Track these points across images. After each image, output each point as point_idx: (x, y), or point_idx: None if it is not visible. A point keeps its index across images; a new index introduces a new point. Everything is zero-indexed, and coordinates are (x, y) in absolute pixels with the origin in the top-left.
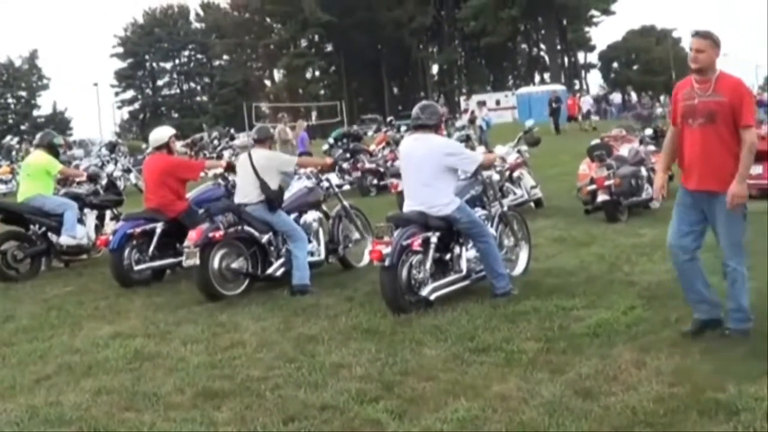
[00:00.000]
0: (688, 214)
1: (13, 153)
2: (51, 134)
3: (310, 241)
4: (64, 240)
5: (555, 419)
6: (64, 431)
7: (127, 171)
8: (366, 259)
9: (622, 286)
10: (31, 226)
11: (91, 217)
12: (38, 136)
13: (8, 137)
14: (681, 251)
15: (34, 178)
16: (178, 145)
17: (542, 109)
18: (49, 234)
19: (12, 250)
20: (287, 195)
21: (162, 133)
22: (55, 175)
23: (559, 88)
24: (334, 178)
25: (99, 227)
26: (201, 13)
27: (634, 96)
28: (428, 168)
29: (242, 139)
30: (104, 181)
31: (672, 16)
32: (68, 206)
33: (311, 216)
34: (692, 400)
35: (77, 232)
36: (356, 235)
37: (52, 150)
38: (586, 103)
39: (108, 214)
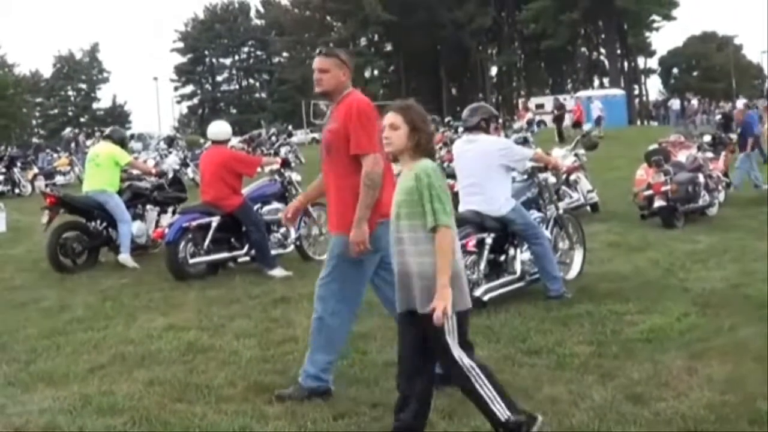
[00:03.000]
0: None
1: (73, 145)
2: (122, 132)
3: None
4: (122, 259)
5: (605, 423)
6: (116, 420)
7: (185, 165)
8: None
9: (677, 292)
10: (92, 223)
11: (152, 214)
12: (109, 129)
13: (68, 129)
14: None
15: (102, 168)
16: (235, 141)
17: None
18: (110, 229)
19: (71, 241)
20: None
21: (223, 129)
22: (123, 166)
23: (618, 92)
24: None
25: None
26: (261, 9)
27: (694, 102)
28: (482, 168)
29: (300, 136)
30: (170, 175)
31: (734, 23)
32: (125, 219)
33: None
34: (743, 409)
35: (136, 230)
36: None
37: (120, 144)
38: (596, 108)
39: (169, 211)
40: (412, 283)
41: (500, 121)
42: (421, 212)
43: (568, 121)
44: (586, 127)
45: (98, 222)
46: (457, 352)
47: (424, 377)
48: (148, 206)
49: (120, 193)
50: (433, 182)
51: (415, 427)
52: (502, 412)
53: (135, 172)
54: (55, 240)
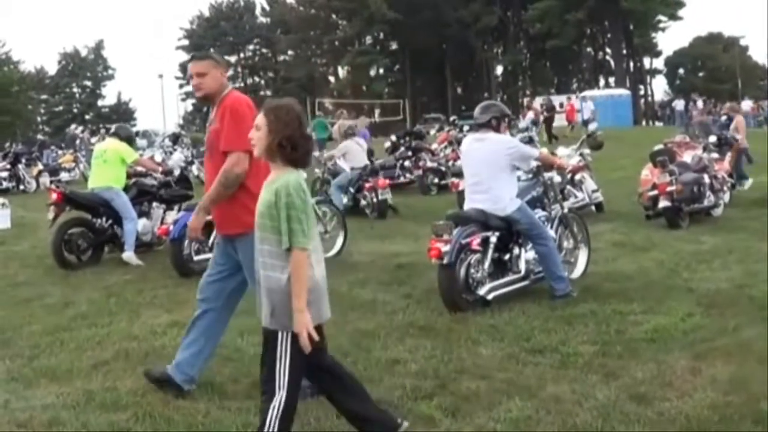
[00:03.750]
0: (220, 255)
1: (77, 142)
2: (128, 129)
3: None
4: (126, 257)
5: (608, 423)
6: (120, 416)
7: (190, 162)
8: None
9: (681, 292)
10: (97, 220)
11: (158, 211)
12: (116, 126)
13: (73, 126)
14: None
15: (109, 164)
16: None
17: (606, 114)
18: (115, 227)
19: (76, 238)
20: None
21: None
22: (129, 164)
23: (624, 92)
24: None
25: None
26: (267, 7)
27: (699, 103)
28: (490, 166)
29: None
30: (176, 173)
31: (740, 24)
32: (131, 217)
33: None
34: (747, 409)
35: (141, 227)
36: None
37: (127, 141)
38: (587, 109)
39: (175, 208)
40: (261, 295)
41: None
42: (279, 228)
43: (559, 122)
44: (592, 126)
45: (104, 219)
46: (280, 373)
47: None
48: (154, 204)
49: (126, 190)
50: (292, 201)
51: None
52: None
53: (140, 169)
54: (60, 236)
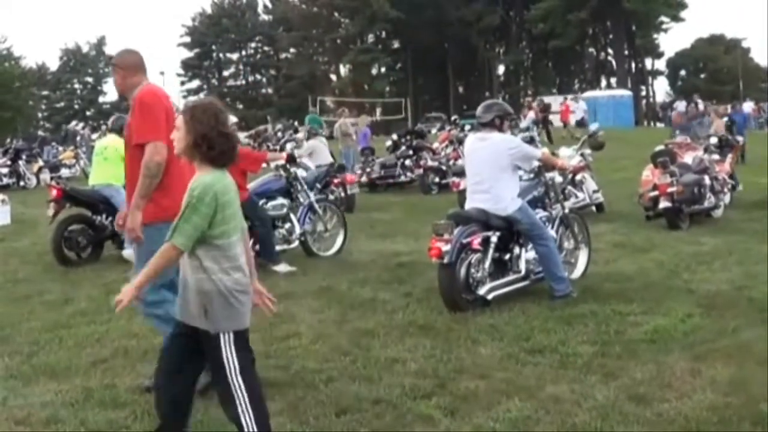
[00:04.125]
0: None
1: (78, 138)
2: (123, 118)
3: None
4: (127, 254)
5: (607, 423)
6: (118, 414)
7: None
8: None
9: (681, 293)
10: (97, 216)
11: None
12: (111, 119)
13: (73, 122)
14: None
15: (109, 162)
16: (242, 137)
17: (608, 114)
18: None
19: (76, 235)
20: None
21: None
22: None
23: (625, 93)
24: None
25: None
26: (269, 5)
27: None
28: (492, 166)
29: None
30: None
31: (742, 26)
32: None
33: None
34: (746, 411)
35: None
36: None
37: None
38: (580, 109)
39: None
40: (190, 297)
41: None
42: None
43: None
44: (593, 127)
45: (104, 216)
46: (232, 373)
47: (184, 381)
48: None
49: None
50: (193, 203)
51: (173, 428)
52: None
53: None
54: (60, 233)
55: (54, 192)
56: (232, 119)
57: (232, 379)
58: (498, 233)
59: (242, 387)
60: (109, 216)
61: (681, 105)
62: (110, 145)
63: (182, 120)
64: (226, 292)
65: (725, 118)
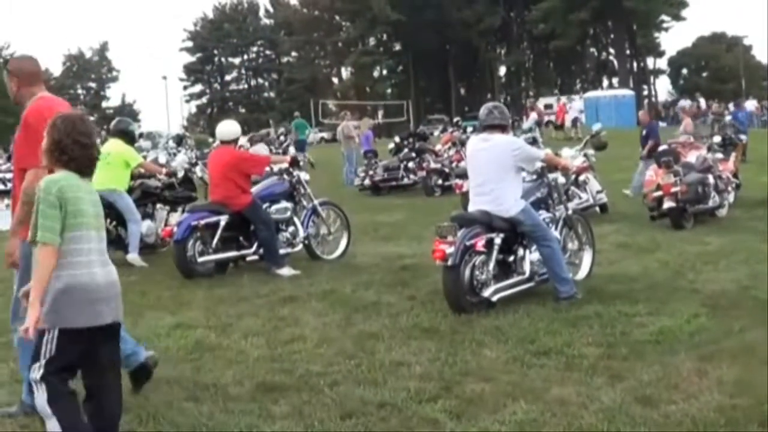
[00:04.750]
0: None
1: None
2: (125, 121)
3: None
4: (131, 258)
5: (614, 425)
6: (123, 418)
7: (193, 164)
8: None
9: (686, 293)
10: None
11: (162, 213)
12: (113, 123)
13: None
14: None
15: (112, 167)
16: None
17: (610, 114)
18: (119, 228)
19: None
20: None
21: (232, 129)
22: (134, 167)
23: (627, 93)
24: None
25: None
26: (270, 9)
27: (703, 103)
28: (496, 167)
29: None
30: (180, 174)
31: (743, 24)
32: (135, 218)
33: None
34: (753, 412)
35: (145, 229)
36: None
37: (128, 136)
38: (574, 110)
39: (179, 210)
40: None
41: (510, 121)
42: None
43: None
44: (596, 127)
45: (108, 221)
46: (36, 374)
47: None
48: (158, 205)
49: (130, 191)
50: (41, 197)
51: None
52: None
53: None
54: None
55: None
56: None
57: (35, 381)
58: (502, 235)
59: (43, 387)
60: (113, 221)
61: (686, 103)
62: (113, 151)
63: (45, 128)
64: (61, 286)
65: (728, 117)
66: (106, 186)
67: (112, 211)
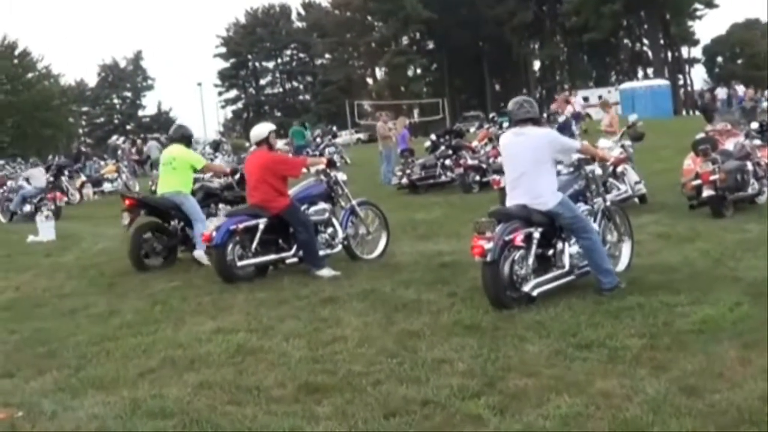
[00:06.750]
0: None
1: (119, 152)
2: (184, 127)
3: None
4: (197, 255)
5: (659, 417)
6: (167, 424)
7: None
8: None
9: (728, 282)
10: (169, 223)
11: (223, 212)
12: (172, 129)
13: (114, 137)
14: None
15: (178, 171)
16: (280, 144)
17: (646, 105)
18: (186, 228)
19: (151, 241)
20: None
21: (262, 129)
22: (198, 169)
23: (663, 83)
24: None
25: None
26: (302, 12)
27: (740, 90)
28: (531, 161)
29: (345, 137)
30: (237, 176)
31: None
32: (200, 218)
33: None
34: None
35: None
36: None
37: (188, 141)
38: (578, 104)
39: None
40: None
41: (544, 115)
42: None
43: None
44: (632, 117)
45: (176, 221)
46: None
47: None
48: (220, 205)
49: (193, 193)
50: None
51: None
52: None
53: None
54: (137, 241)
55: (126, 202)
56: (270, 126)
57: None
58: (540, 229)
59: None
60: (180, 221)
61: (722, 92)
62: (178, 156)
63: None
64: None
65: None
66: (173, 189)
67: (179, 212)
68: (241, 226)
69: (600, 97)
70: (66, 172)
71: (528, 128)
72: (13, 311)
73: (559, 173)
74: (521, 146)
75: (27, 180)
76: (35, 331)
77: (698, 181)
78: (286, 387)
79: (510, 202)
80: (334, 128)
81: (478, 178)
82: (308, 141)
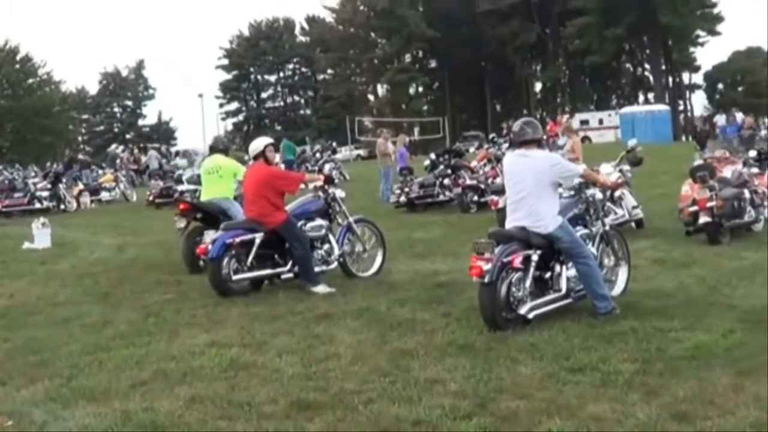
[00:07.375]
0: None
1: (118, 161)
2: (222, 139)
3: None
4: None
5: None
6: None
7: None
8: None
9: (722, 309)
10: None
11: None
12: (212, 141)
13: (113, 146)
14: None
15: (224, 179)
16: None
17: (646, 129)
18: None
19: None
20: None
21: (258, 143)
22: (240, 178)
23: (663, 108)
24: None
25: None
26: (306, 26)
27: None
28: (533, 184)
29: (344, 152)
30: None
31: None
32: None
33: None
34: None
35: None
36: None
37: (226, 152)
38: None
39: None
40: None
41: (544, 137)
42: None
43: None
44: (631, 142)
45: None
46: None
47: None
48: None
49: (235, 198)
50: None
51: None
52: None
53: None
54: (190, 244)
55: (181, 206)
56: (266, 140)
57: None
58: (539, 251)
59: None
60: None
61: (721, 119)
62: (224, 165)
63: None
64: None
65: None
66: (221, 195)
67: (226, 217)
68: (237, 239)
69: (584, 122)
70: (64, 180)
71: (533, 151)
72: (6, 319)
73: (560, 196)
74: (524, 168)
75: None
76: (28, 339)
77: (695, 208)
78: (278, 403)
79: (510, 224)
80: (334, 144)
81: (476, 198)
82: (296, 157)
